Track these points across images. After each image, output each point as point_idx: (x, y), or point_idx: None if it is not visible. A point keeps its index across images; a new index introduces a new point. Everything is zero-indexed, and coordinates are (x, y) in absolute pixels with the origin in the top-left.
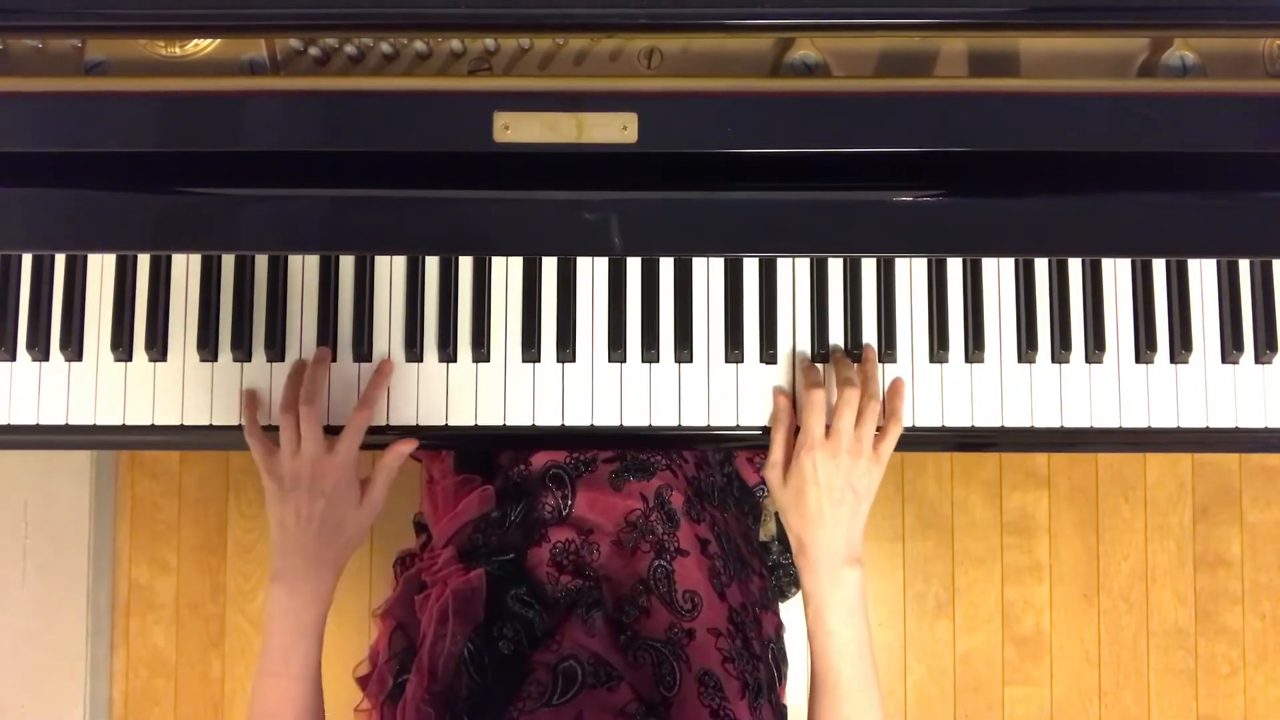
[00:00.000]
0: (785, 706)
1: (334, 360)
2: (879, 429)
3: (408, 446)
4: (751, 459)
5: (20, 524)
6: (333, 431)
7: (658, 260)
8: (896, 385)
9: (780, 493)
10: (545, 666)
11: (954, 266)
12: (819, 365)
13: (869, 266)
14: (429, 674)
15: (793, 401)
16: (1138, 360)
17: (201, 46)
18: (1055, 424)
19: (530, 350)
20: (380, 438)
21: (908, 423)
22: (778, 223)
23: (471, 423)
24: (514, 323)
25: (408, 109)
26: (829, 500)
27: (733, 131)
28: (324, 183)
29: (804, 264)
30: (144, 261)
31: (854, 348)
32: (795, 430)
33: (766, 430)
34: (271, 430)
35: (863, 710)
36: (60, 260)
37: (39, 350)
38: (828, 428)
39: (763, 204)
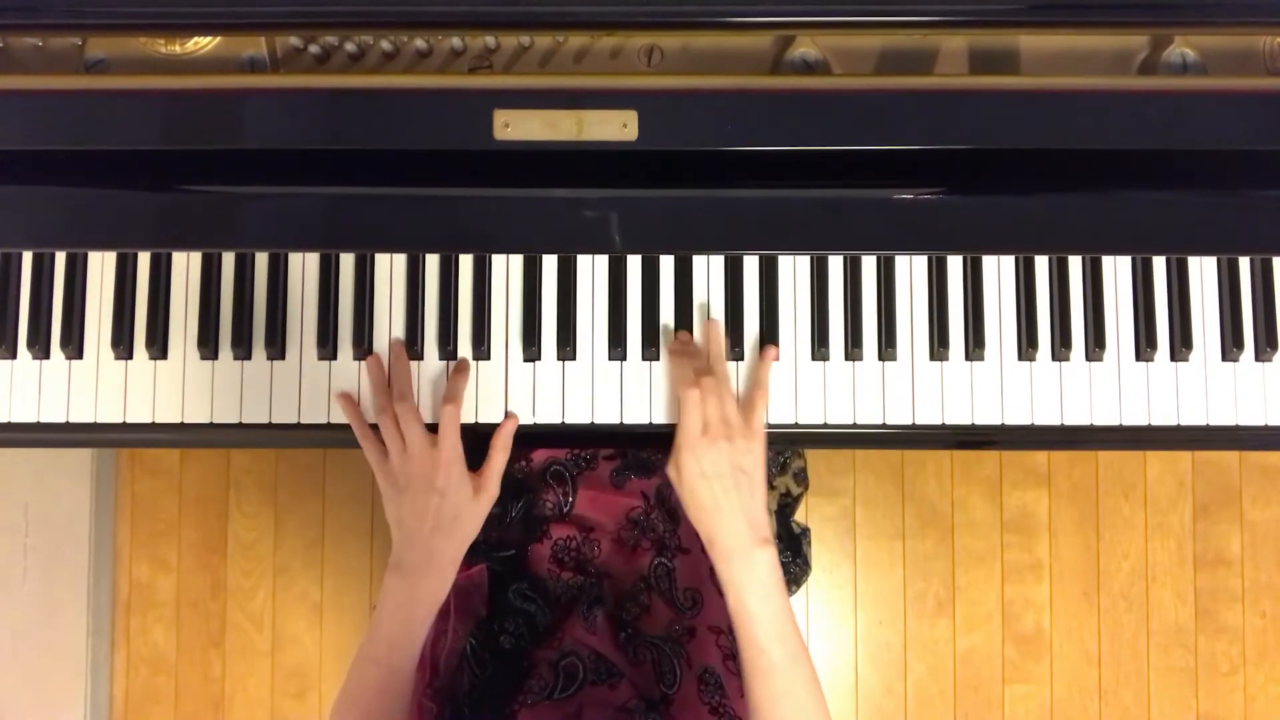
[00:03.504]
0: None
1: (332, 360)
2: (748, 401)
3: (512, 425)
4: None
5: (20, 523)
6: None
7: (658, 258)
8: (764, 353)
9: (679, 490)
10: (547, 664)
11: (954, 264)
12: (693, 343)
13: (869, 264)
14: (430, 669)
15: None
16: (1138, 358)
17: (201, 44)
18: (1055, 422)
19: (530, 348)
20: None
21: (907, 420)
22: (778, 221)
23: (471, 420)
24: (514, 321)
25: (408, 107)
26: (721, 488)
27: (733, 129)
28: (324, 181)
29: (804, 262)
30: (144, 259)
31: (854, 345)
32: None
33: (768, 428)
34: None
35: (796, 683)
36: (60, 258)
37: (39, 348)
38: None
39: (763, 202)
